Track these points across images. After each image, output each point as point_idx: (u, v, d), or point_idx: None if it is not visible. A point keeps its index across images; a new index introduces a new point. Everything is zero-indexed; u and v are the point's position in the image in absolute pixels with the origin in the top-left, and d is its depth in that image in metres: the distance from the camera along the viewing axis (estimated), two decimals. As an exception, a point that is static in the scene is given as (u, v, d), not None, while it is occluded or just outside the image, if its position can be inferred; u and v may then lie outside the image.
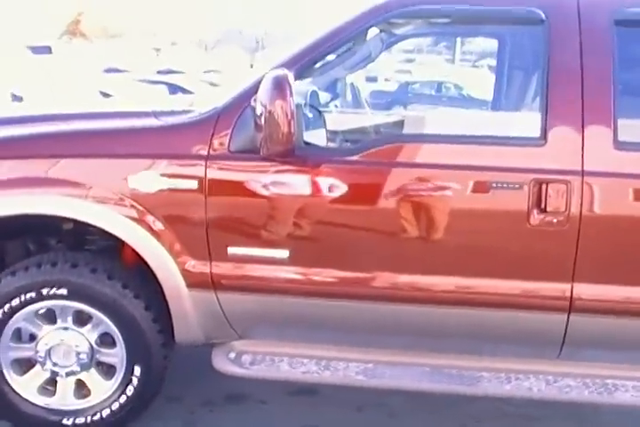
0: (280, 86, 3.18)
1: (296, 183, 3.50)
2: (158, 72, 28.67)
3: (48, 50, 26.18)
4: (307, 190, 3.50)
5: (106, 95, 10.61)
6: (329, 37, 3.58)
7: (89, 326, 3.78)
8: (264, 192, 3.49)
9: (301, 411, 4.28)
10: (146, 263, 3.68)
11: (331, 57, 3.78)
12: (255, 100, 3.33)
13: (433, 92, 23.03)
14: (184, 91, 15.06)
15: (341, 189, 3.47)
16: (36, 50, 21.81)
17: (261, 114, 3.22)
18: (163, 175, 3.53)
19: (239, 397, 4.38)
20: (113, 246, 3.91)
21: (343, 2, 3.95)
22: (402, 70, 28.19)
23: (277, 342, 3.82)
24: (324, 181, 3.48)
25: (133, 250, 3.75)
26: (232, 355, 3.78)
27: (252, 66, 39.19)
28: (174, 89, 15.17)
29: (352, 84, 4.63)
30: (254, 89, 3.42)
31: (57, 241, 4.21)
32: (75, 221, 3.92)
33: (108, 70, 26.73)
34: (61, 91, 8.76)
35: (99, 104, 7.67)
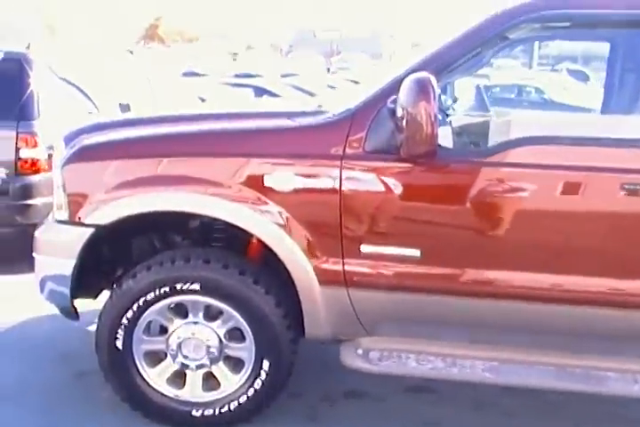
0: (424, 89, 3.25)
1: (435, 184, 3.58)
2: (236, 76, 28.90)
3: (130, 54, 26.52)
4: (445, 191, 3.58)
5: (201, 99, 10.71)
6: (460, 42, 3.63)
7: (219, 321, 3.89)
8: (400, 192, 3.57)
9: (420, 408, 4.33)
10: (273, 260, 3.78)
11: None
12: (393, 101, 3.41)
13: (513, 95, 22.83)
14: (270, 93, 15.16)
15: (477, 189, 3.53)
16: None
17: (402, 116, 3.30)
18: (298, 175, 3.63)
19: (358, 393, 4.46)
20: (239, 243, 4.02)
21: (412, 7, 3.98)
22: (479, 74, 27.97)
23: (403, 339, 3.88)
24: (463, 182, 3.54)
25: (260, 247, 3.86)
26: (360, 351, 3.85)
27: (328, 70, 39.29)
28: (260, 92, 15.25)
29: (477, 86, 4.68)
30: (389, 90, 3.52)
31: (182, 238, 4.34)
32: (201, 219, 4.05)
33: (187, 74, 27.02)
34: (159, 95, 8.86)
35: (203, 107, 7.82)
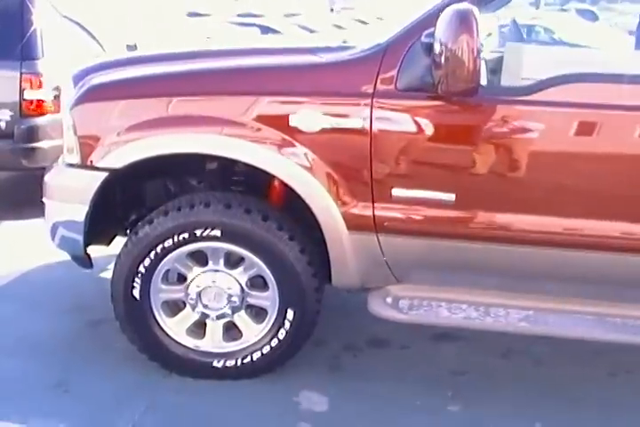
0: (467, 22, 3.00)
1: (475, 123, 3.35)
2: (239, 15, 28.43)
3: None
4: (485, 131, 3.33)
5: (208, 39, 10.50)
6: None
7: (240, 269, 3.71)
8: (435, 132, 3.35)
9: (446, 356, 4.19)
10: (298, 205, 3.58)
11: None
12: (428, 35, 3.18)
13: (523, 35, 22.37)
14: (275, 32, 14.94)
15: (520, 129, 3.31)
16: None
17: (441, 51, 3.06)
18: (325, 114, 3.41)
19: (381, 341, 4.31)
20: (260, 187, 3.82)
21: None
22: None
23: (434, 287, 3.71)
24: (504, 121, 3.31)
25: (283, 191, 3.67)
26: (389, 300, 3.68)
27: (332, 10, 38.59)
28: (266, 30, 15.05)
29: (513, 20, 4.41)
30: (424, 24, 3.27)
31: (198, 182, 4.14)
32: (219, 162, 3.85)
33: (190, 14, 26.62)
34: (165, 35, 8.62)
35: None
